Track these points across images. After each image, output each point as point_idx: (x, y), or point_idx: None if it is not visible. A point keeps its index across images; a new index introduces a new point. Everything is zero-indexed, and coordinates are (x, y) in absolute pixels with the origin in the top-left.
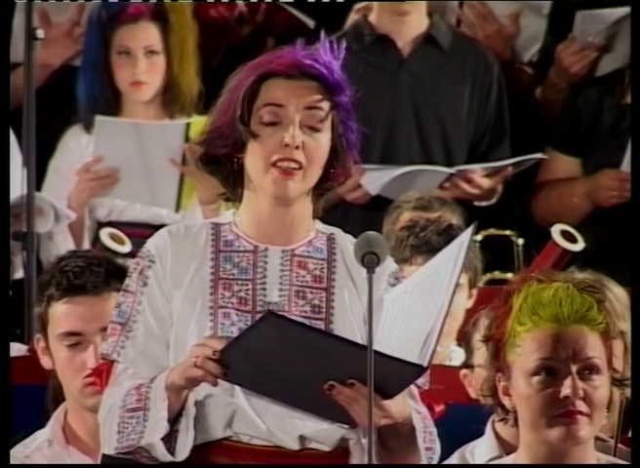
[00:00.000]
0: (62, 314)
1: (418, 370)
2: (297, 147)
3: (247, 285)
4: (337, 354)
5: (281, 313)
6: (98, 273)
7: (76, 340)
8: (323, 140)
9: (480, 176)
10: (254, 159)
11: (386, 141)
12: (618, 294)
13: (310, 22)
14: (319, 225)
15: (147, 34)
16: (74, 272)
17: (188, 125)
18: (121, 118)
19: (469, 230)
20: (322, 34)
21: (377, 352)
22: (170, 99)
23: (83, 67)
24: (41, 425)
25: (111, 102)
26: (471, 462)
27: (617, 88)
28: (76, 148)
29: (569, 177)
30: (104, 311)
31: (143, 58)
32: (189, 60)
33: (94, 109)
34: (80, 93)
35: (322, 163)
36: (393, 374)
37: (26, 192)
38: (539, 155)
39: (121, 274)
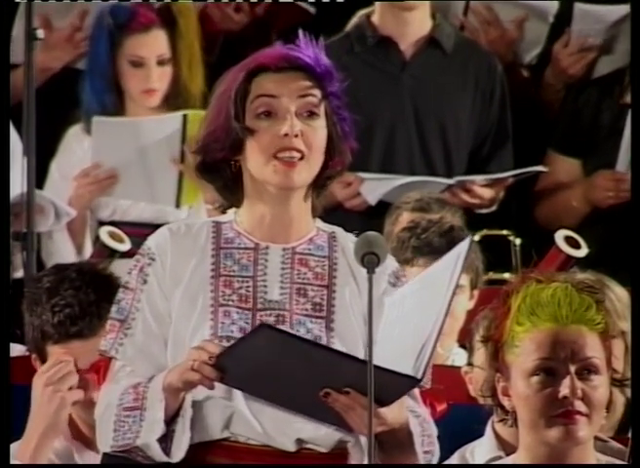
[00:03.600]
0: (60, 354)
1: (412, 381)
2: (295, 136)
3: (247, 282)
4: (332, 364)
5: (275, 326)
6: (91, 312)
7: None
8: (319, 127)
9: (480, 186)
10: (254, 155)
11: (387, 143)
12: (619, 294)
13: (311, 9)
14: (320, 224)
15: (159, 43)
16: (69, 316)
17: (185, 116)
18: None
19: (467, 242)
20: (300, 33)
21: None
22: (179, 104)
23: (90, 75)
24: None
25: (118, 109)
26: (471, 462)
27: (616, 88)
28: (78, 148)
29: (569, 180)
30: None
31: (156, 67)
32: (197, 64)
33: (101, 115)
34: (87, 100)
35: (322, 149)
36: (387, 385)
37: (26, 192)
38: (539, 167)
39: (112, 291)
